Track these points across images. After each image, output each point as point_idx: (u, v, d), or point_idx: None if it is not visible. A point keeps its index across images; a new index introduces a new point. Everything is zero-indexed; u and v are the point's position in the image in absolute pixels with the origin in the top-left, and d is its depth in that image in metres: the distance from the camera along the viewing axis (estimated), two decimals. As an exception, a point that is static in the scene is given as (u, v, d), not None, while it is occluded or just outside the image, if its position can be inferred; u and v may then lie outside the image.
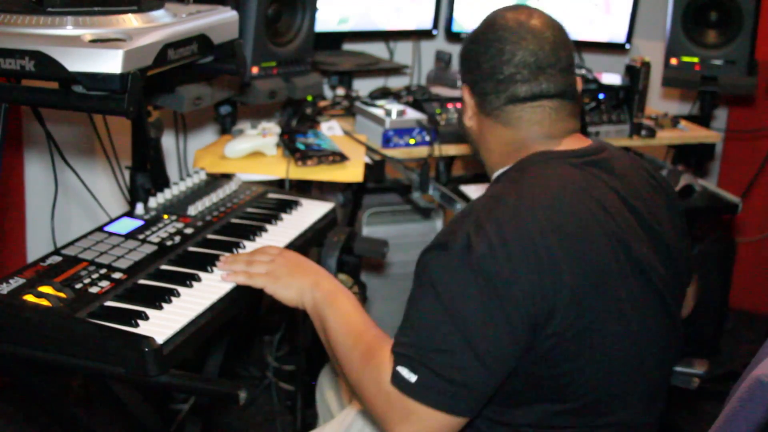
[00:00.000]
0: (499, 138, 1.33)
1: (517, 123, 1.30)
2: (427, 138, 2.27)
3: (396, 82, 2.97)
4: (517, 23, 1.29)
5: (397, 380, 1.14)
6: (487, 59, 1.29)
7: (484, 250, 1.12)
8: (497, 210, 1.17)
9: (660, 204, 1.33)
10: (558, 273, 1.13)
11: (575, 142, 1.31)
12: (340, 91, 2.69)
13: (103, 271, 1.36)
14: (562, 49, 1.30)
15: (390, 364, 1.16)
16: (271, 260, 1.40)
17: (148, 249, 1.46)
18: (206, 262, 1.43)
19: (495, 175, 1.36)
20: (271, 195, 1.82)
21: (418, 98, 2.46)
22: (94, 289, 1.29)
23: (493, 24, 1.31)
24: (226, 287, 1.38)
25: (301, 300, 1.35)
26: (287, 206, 1.76)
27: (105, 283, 1.32)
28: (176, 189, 1.74)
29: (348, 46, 2.90)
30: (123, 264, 1.39)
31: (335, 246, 1.74)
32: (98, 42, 1.27)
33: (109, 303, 1.27)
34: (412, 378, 1.12)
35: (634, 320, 1.22)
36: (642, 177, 1.34)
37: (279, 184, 2.15)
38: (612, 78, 2.64)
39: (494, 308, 1.11)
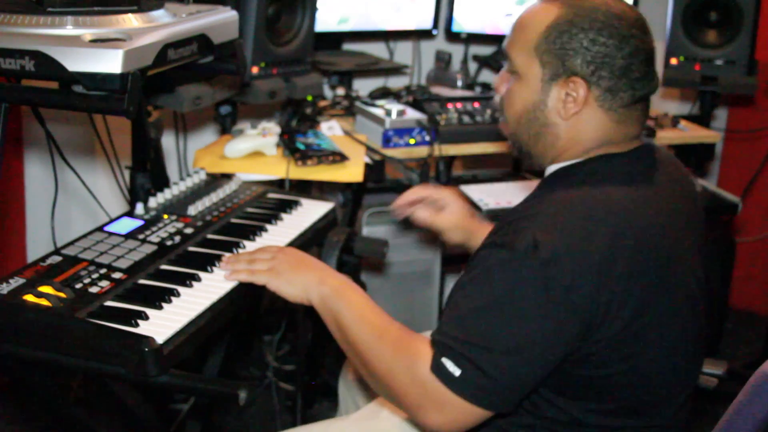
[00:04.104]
0: (593, 133, 1.26)
1: (627, 121, 1.26)
2: (427, 138, 2.27)
3: (396, 82, 2.97)
4: (636, 16, 1.25)
5: (440, 371, 1.15)
6: (623, 55, 1.22)
7: (549, 255, 1.11)
8: (564, 217, 1.15)
9: (696, 207, 1.36)
10: (615, 285, 1.13)
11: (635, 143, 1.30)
12: (340, 91, 2.69)
13: (103, 271, 1.36)
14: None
15: (429, 353, 1.17)
16: (272, 257, 1.41)
17: (148, 249, 1.46)
18: (206, 262, 1.43)
19: (553, 168, 1.31)
20: (271, 195, 1.82)
21: (418, 98, 2.46)
22: (94, 289, 1.29)
23: (620, 17, 1.23)
24: (226, 287, 1.38)
25: (306, 296, 1.35)
26: (287, 206, 1.76)
27: (105, 283, 1.32)
28: (176, 189, 1.74)
29: (348, 46, 2.90)
30: (123, 264, 1.39)
31: (335, 246, 1.74)
32: (98, 42, 1.27)
33: (109, 303, 1.27)
34: (456, 372, 1.13)
35: (675, 330, 1.23)
36: (683, 177, 1.36)
37: (279, 184, 2.15)
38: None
39: (550, 313, 1.12)
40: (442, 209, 1.71)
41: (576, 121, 1.26)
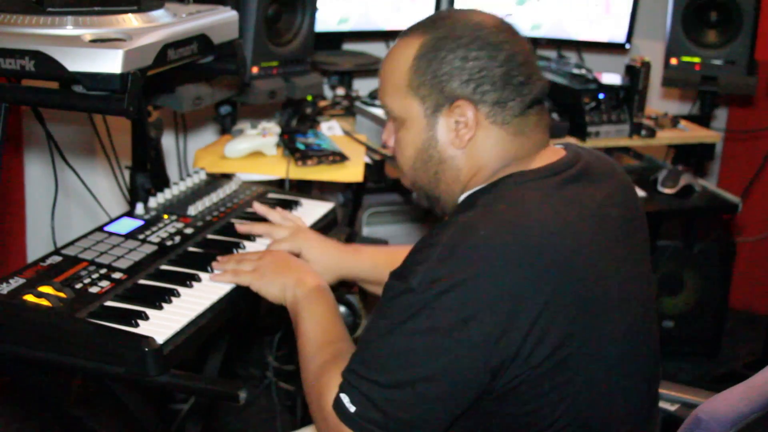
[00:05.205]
0: (494, 152, 1.18)
1: (526, 130, 1.19)
2: (427, 138, 2.27)
3: (396, 82, 2.96)
4: (499, 21, 1.19)
5: (337, 406, 1.11)
6: (499, 63, 1.15)
7: (443, 288, 1.03)
8: (466, 242, 1.05)
9: (637, 205, 1.27)
10: (530, 312, 1.04)
11: (550, 155, 1.21)
12: (340, 91, 2.69)
13: (103, 271, 1.36)
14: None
15: (336, 387, 1.12)
16: (258, 258, 1.42)
17: (148, 249, 1.46)
18: (206, 262, 1.43)
19: (462, 198, 1.22)
20: (271, 195, 1.82)
21: (418, 98, 2.45)
22: (94, 289, 1.29)
23: (482, 26, 1.16)
24: (226, 287, 1.38)
25: (284, 296, 1.36)
26: (287, 206, 1.76)
27: (105, 283, 1.32)
28: (176, 189, 1.74)
29: (348, 46, 2.90)
30: (123, 264, 1.39)
31: (335, 246, 1.74)
32: (98, 42, 1.27)
33: (109, 303, 1.27)
34: (352, 408, 1.09)
35: (613, 350, 1.14)
36: (613, 176, 1.26)
37: (279, 184, 2.15)
38: (612, 78, 2.64)
39: (445, 349, 1.04)
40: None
41: (473, 146, 1.18)
